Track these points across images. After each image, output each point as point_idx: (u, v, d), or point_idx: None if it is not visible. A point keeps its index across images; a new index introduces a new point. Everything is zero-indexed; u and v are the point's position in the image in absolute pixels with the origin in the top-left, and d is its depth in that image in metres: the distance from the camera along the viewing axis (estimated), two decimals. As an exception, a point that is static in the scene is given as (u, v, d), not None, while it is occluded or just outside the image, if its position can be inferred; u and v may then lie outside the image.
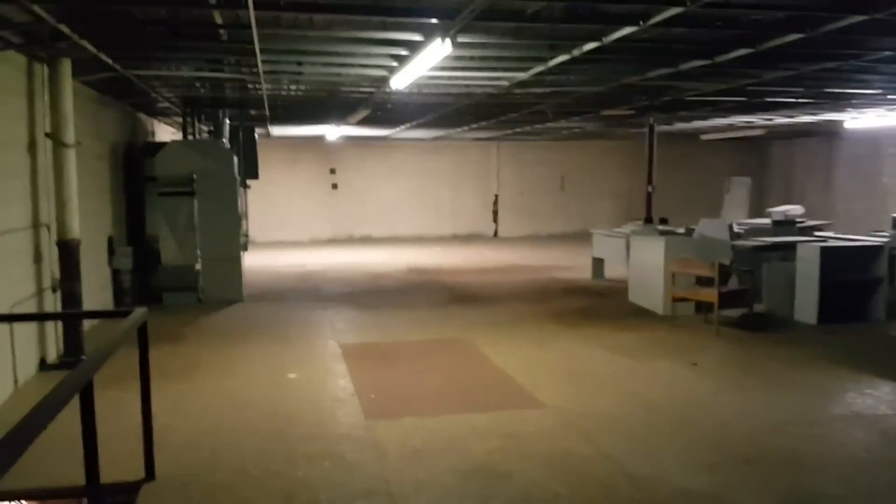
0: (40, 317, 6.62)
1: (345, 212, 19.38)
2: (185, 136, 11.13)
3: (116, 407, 4.99)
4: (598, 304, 9.63)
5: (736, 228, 10.27)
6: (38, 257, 6.48)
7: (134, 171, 10.43)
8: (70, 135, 6.52)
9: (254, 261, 14.18)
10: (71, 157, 6.53)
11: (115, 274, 9.50)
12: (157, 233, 10.03)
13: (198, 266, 10.00)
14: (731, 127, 15.07)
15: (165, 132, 14.06)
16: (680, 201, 20.15)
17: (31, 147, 6.46)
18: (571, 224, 20.43)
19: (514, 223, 20.31)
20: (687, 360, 6.65)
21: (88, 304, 8.19)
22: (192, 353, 7.08)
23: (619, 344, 7.29)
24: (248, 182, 16.55)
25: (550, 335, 7.71)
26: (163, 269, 9.96)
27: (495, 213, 20.36)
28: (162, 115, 12.88)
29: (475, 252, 16.41)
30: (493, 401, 5.51)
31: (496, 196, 20.33)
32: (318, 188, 19.27)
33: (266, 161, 17.96)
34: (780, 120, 13.45)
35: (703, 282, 8.60)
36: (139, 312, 4.01)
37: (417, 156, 19.67)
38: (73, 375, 2.73)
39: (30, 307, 6.26)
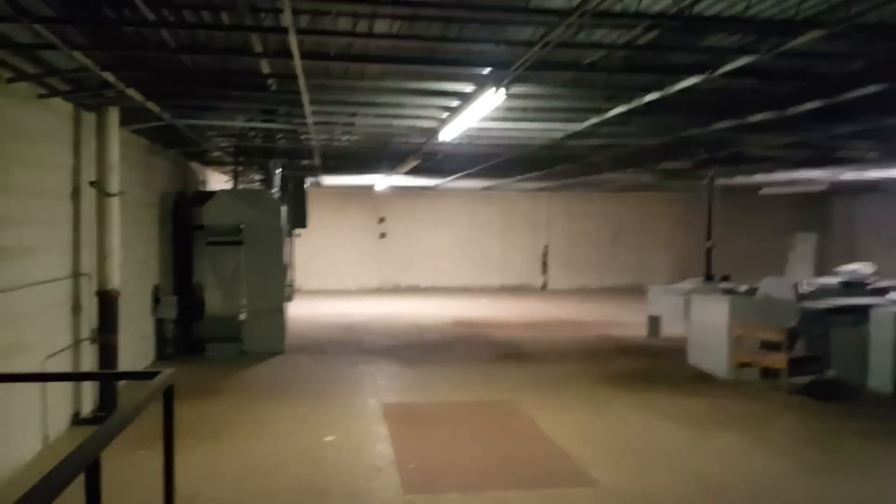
0: (54, 377, 6.41)
1: (392, 261, 19.23)
2: (235, 185, 11.15)
3: (145, 469, 4.71)
4: (654, 365, 9.10)
5: (802, 289, 9.66)
6: (76, 308, 6.37)
7: (183, 220, 10.42)
8: (114, 184, 6.46)
9: (299, 309, 14.02)
10: (114, 206, 6.46)
11: (159, 323, 9.40)
12: (204, 282, 9.94)
13: (242, 316, 9.84)
14: (792, 182, 14.47)
15: (218, 181, 14.18)
16: (737, 258, 19.36)
17: (75, 195, 6.41)
18: (623, 278, 19.84)
19: (563, 276, 19.84)
20: (755, 434, 6.09)
21: (130, 353, 8.07)
22: (228, 409, 6.83)
23: (680, 412, 6.77)
24: (297, 231, 16.61)
25: (603, 400, 7.23)
26: (207, 319, 9.83)
27: (544, 265, 19.94)
28: (214, 164, 12.99)
29: (523, 305, 15.97)
30: (542, 476, 5.07)
31: (545, 247, 19.94)
32: (366, 237, 19.21)
33: (315, 209, 17.99)
34: (846, 175, 12.84)
35: (769, 345, 8.05)
36: (165, 375, 3.74)
37: (466, 206, 19.49)
38: (75, 455, 2.46)
39: (66, 359, 6.12)
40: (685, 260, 19.80)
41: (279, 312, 9.92)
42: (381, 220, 19.27)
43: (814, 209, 19.95)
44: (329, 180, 16.09)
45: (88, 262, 6.55)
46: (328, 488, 4.77)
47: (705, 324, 8.70)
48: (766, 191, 16.78)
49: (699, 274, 19.63)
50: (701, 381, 8.18)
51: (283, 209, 10.39)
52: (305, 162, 12.76)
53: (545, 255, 19.93)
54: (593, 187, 17.74)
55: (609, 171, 12.37)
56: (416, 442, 5.83)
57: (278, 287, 9.94)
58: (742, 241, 19.22)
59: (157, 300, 9.33)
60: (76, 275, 6.40)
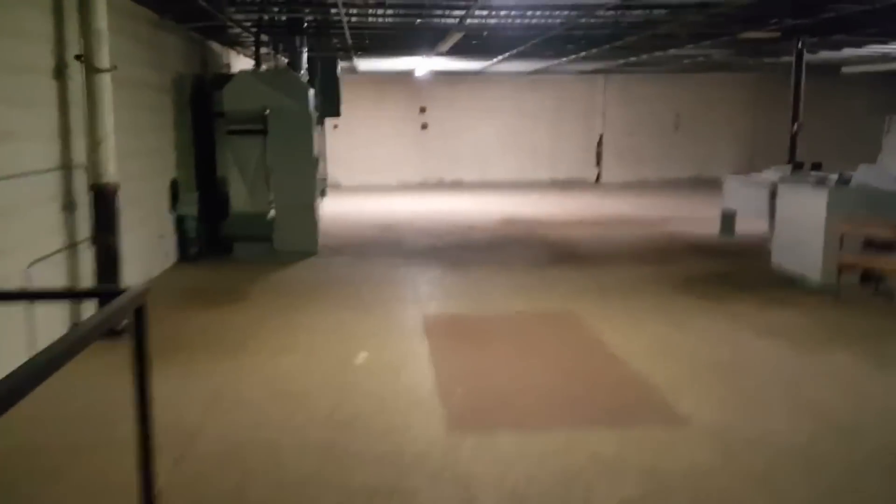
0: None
1: (435, 154, 18.06)
2: (257, 66, 9.99)
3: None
4: (733, 267, 7.98)
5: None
6: (69, 205, 5.50)
7: (203, 107, 9.40)
8: (104, 57, 5.42)
9: (336, 207, 13.14)
10: (105, 84, 5.45)
11: (180, 221, 8.59)
12: (227, 176, 9.03)
13: (271, 214, 8.97)
14: (884, 57, 12.62)
15: (243, 65, 13.03)
16: (819, 144, 17.62)
17: (60, 73, 5.41)
18: (685, 169, 18.38)
19: (619, 167, 18.44)
20: (872, 354, 5.03)
21: (145, 256, 7.30)
22: (252, 318, 6.02)
23: (775, 325, 5.71)
24: (333, 120, 15.52)
25: (680, 310, 6.20)
26: (233, 216, 8.98)
27: (599, 156, 18.53)
28: (237, 44, 11.82)
29: (576, 200, 14.79)
30: (618, 410, 4.13)
31: (600, 137, 18.46)
32: (407, 129, 17.99)
33: (351, 99, 16.81)
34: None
35: (876, 245, 6.86)
36: (134, 292, 2.81)
37: (513, 92, 18.00)
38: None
39: (57, 264, 5.31)
40: (755, 148, 18.20)
41: (311, 209, 8.99)
42: (423, 109, 17.96)
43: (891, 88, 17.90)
44: (364, 65, 14.78)
45: (82, 152, 5.63)
46: (359, 421, 3.92)
47: (796, 219, 7.47)
48: (850, 69, 14.89)
49: (768, 163, 18.21)
50: (791, 286, 7.06)
51: (312, 94, 9.27)
52: (336, 42, 11.51)
53: (600, 145, 18.49)
54: (655, 67, 16.04)
55: (684, 45, 10.81)
56: (462, 363, 4.93)
57: (309, 181, 8.97)
58: (823, 126, 17.45)
59: (175, 196, 8.48)
60: (67, 167, 5.50)
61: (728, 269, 7.85)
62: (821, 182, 7.80)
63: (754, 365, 4.84)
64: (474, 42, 11.52)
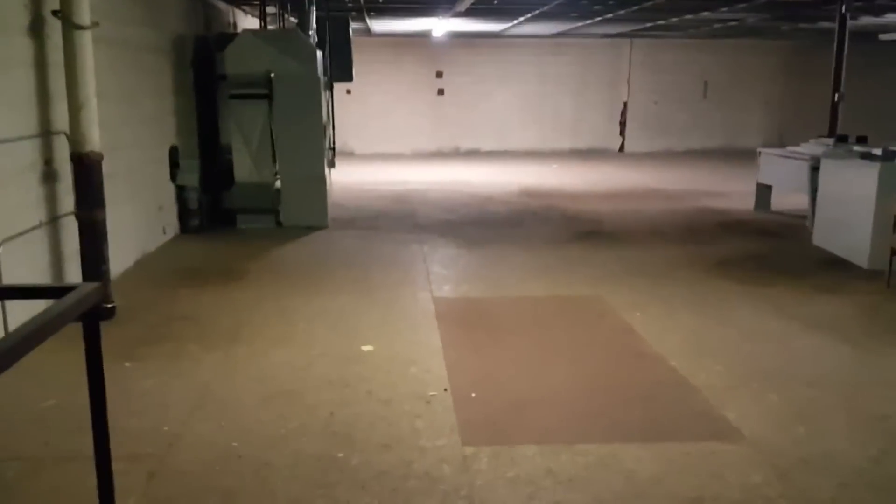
0: None
1: (451, 121, 17.41)
2: (263, 26, 9.42)
3: (120, 389, 3.50)
4: (771, 248, 7.39)
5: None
6: (50, 175, 5.03)
7: (206, 70, 8.86)
8: (84, 12, 4.88)
9: (348, 176, 12.63)
10: (86, 42, 4.92)
11: (181, 192, 8.12)
12: (231, 144, 8.53)
13: (277, 185, 8.48)
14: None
15: (250, 26, 12.43)
16: (850, 114, 16.79)
17: (35, 30, 4.89)
18: (713, 139, 17.63)
19: (644, 137, 17.72)
20: (939, 353, 4.48)
21: (142, 229, 6.85)
22: (251, 300, 5.56)
23: (824, 317, 5.16)
24: (345, 85, 14.90)
25: (719, 298, 5.65)
26: (237, 186, 8.50)
27: (622, 125, 17.80)
28: (244, 3, 11.21)
29: (599, 171, 14.15)
30: (655, 421, 3.62)
31: (625, 104, 17.71)
32: (423, 94, 17.33)
33: (364, 62, 16.16)
34: None
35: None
36: (82, 292, 2.34)
37: (535, 57, 17.24)
38: None
39: (37, 240, 4.85)
40: (783, 119, 17.42)
41: (319, 180, 8.48)
42: (439, 74, 17.28)
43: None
44: (378, 26, 14.12)
45: (64, 118, 5.13)
46: (360, 429, 3.45)
47: (842, 198, 6.86)
48: (887, 36, 14.00)
49: (799, 134, 17.38)
50: (837, 270, 6.48)
51: (321, 57, 8.69)
52: (349, 1, 10.89)
53: (623, 113, 17.74)
54: (683, 31, 15.21)
55: (718, 5, 10.07)
56: (478, 358, 4.44)
57: (317, 150, 8.44)
58: (859, 96, 16.56)
59: (175, 165, 7.99)
60: (46, 134, 5.01)
61: (766, 250, 7.27)
62: (867, 157, 7.16)
63: (806, 366, 4.31)
64: (495, 1, 10.86)
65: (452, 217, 9.17)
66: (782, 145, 16.94)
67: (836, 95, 9.01)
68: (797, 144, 9.06)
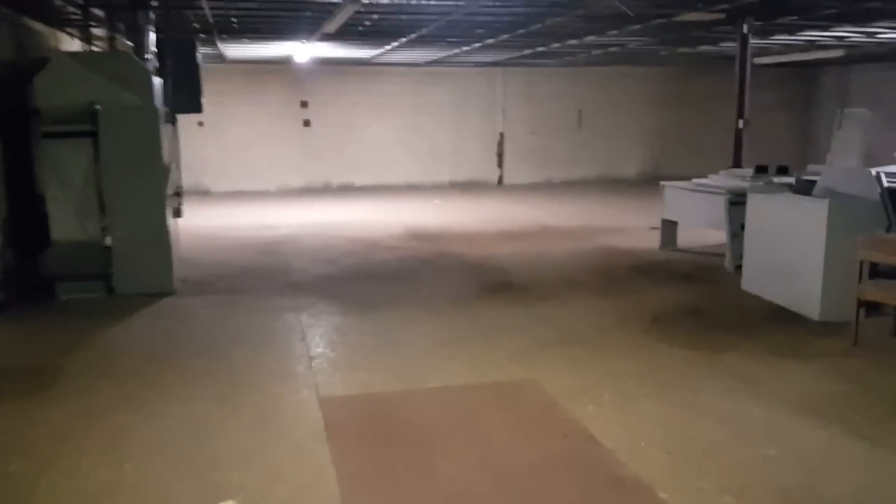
0: None
1: (321, 155, 15.96)
2: (89, 47, 7.69)
3: None
4: (701, 296, 6.55)
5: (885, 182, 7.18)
6: None
7: (16, 103, 7.00)
8: None
9: (204, 220, 10.91)
10: None
11: (-24, 257, 6.23)
12: (46, 192, 6.73)
13: (107, 242, 6.74)
14: (809, 45, 11.74)
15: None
16: (716, 143, 16.98)
17: None
18: (590, 169, 17.24)
19: (522, 168, 17.05)
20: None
21: None
22: (59, 422, 3.91)
23: (809, 395, 4.23)
24: (197, 117, 13.18)
25: (675, 372, 4.62)
26: (55, 246, 6.69)
27: (500, 157, 17.06)
28: (67, 23, 9.32)
29: (484, 206, 13.20)
30: None
31: (501, 135, 16.99)
32: (288, 126, 15.78)
33: (220, 92, 14.52)
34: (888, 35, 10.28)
35: (880, 273, 5.60)
36: None
37: (408, 86, 16.18)
38: None
39: None
40: (663, 147, 17.36)
41: (161, 235, 6.82)
42: (304, 104, 15.82)
43: (800, 84, 17.55)
44: (233, 51, 12.52)
45: None
46: None
47: (777, 237, 6.14)
48: (762, 60, 14.09)
49: (678, 163, 17.36)
50: (786, 324, 5.66)
51: (159, 84, 7.11)
52: (195, 22, 9.31)
53: (501, 144, 17.01)
54: (554, 60, 14.70)
55: (608, 29, 9.40)
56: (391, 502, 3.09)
57: (157, 197, 6.80)
58: (721, 124, 16.81)
59: (-35, 224, 6.11)
60: None
61: (697, 300, 6.41)
62: (800, 190, 6.51)
63: (830, 480, 3.28)
64: (366, 24, 9.67)
65: (333, 270, 7.77)
66: (659, 175, 16.89)
67: (741, 122, 8.46)
68: (703, 175, 8.44)
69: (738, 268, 7.17)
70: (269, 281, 7.32)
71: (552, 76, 16.68)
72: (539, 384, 4.39)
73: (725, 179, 7.75)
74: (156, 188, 6.81)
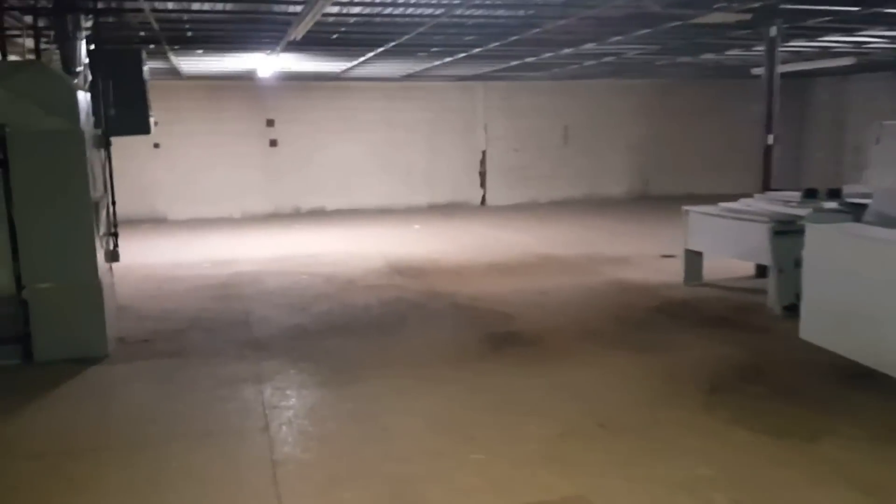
0: None
1: (289, 177, 14.67)
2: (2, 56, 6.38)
3: None
4: (754, 350, 5.39)
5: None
6: None
7: None
8: None
9: (154, 254, 9.62)
10: None
11: None
12: (-56, 235, 5.41)
13: (23, 295, 5.43)
14: (821, 52, 10.78)
15: None
16: (710, 159, 16.10)
17: None
18: (577, 187, 16.19)
19: (506, 188, 15.92)
20: None
21: None
22: None
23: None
24: (152, 138, 11.90)
25: (766, 478, 3.45)
26: (-46, 302, 5.36)
27: (482, 176, 15.93)
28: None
29: (468, 231, 12.03)
30: None
31: (483, 153, 15.87)
32: (253, 146, 14.48)
33: (176, 110, 13.27)
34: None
35: None
36: None
37: (382, 102, 15.00)
38: None
39: None
40: (649, 163, 16.40)
41: (92, 285, 5.53)
42: (270, 122, 14.55)
43: (793, 96, 16.73)
44: (188, 65, 11.23)
45: None
46: None
47: (853, 276, 5.04)
48: (759, 70, 13.14)
49: (670, 181, 16.38)
50: (877, 390, 4.52)
51: (86, 101, 5.84)
52: (141, 31, 8.06)
53: (483, 162, 15.89)
54: (539, 73, 13.65)
55: (616, 33, 8.35)
56: None
57: (84, 239, 5.50)
58: (721, 138, 15.93)
59: None
60: None
61: (751, 355, 5.26)
62: (875, 221, 5.44)
63: None
64: (335, 36, 8.52)
65: (304, 320, 6.51)
66: (649, 194, 16.01)
67: (770, 137, 7.41)
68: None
69: (787, 308, 6.09)
70: (226, 337, 6.04)
71: (535, 90, 15.64)
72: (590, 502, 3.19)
73: (765, 205, 6.67)
74: (83, 228, 5.52)
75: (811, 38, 9.06)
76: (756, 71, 13.53)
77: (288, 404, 4.48)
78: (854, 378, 4.71)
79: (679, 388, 4.60)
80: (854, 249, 5.05)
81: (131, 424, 4.24)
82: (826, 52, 10.76)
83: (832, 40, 9.41)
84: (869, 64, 12.59)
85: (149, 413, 4.40)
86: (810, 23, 7.68)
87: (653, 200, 15.66)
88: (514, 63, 11.76)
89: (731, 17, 7.15)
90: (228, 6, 7.06)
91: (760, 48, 10.00)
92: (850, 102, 15.50)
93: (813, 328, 5.38)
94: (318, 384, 4.84)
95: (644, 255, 9.28)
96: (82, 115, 5.54)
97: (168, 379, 5.02)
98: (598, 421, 4.08)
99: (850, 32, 8.68)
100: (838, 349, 5.10)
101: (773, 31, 7.28)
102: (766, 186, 7.44)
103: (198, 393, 4.70)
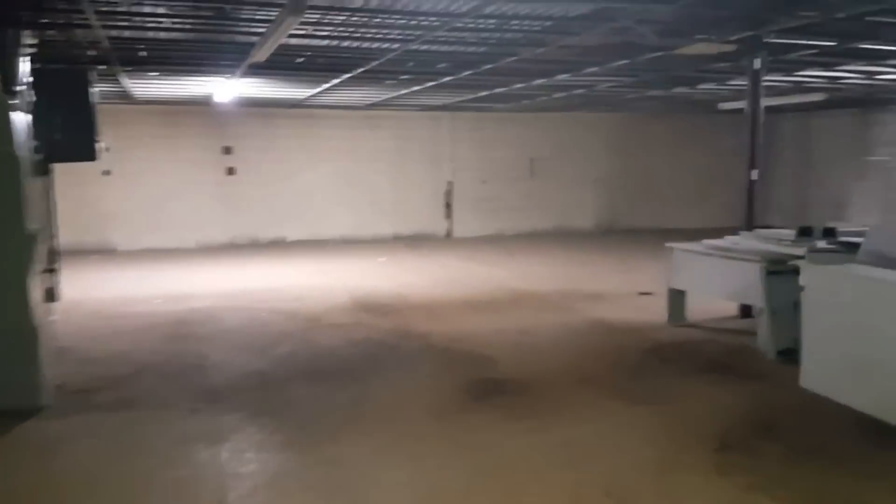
0: None
1: (247, 207, 14.06)
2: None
3: None
4: (757, 400, 5.01)
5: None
6: None
7: None
8: None
9: (103, 289, 8.94)
10: None
11: None
12: None
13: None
14: (794, 87, 10.72)
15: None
16: (681, 193, 16.03)
17: None
18: (544, 220, 15.91)
19: (473, 220, 15.55)
20: None
21: None
22: None
23: None
24: (101, 164, 11.27)
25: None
26: None
27: (448, 207, 15.55)
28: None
29: (436, 263, 11.59)
30: None
31: (449, 184, 15.51)
32: (209, 174, 13.86)
33: (128, 136, 12.68)
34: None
35: None
36: None
37: (346, 130, 14.56)
38: None
39: None
40: (614, 196, 16.24)
41: (26, 327, 4.90)
42: (228, 149, 13.96)
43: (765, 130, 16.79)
44: (141, 88, 10.63)
45: None
46: None
47: (857, 321, 4.72)
48: (729, 105, 13.15)
49: (636, 214, 16.23)
50: (891, 447, 4.20)
51: (23, 124, 5.27)
52: (89, 50, 7.50)
53: (449, 194, 15.51)
54: (506, 105, 13.42)
55: (595, 64, 8.09)
56: None
57: (18, 279, 4.88)
58: (694, 173, 15.90)
59: None
60: None
61: (756, 406, 4.88)
62: (877, 261, 5.15)
63: None
64: (299, 60, 8.08)
65: (265, 365, 5.94)
66: (617, 227, 15.82)
67: (754, 173, 7.15)
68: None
69: (781, 353, 5.76)
70: (178, 385, 5.44)
71: (502, 121, 15.38)
72: None
73: (756, 243, 6.38)
74: (17, 264, 4.90)
75: (788, 72, 8.93)
76: (724, 106, 13.54)
77: (247, 474, 3.91)
78: (864, 431, 4.36)
79: (686, 445, 4.18)
80: (851, 291, 4.73)
81: (61, 501, 3.63)
82: (798, 87, 10.70)
83: (808, 75, 9.30)
84: (838, 100, 12.64)
85: (83, 486, 3.79)
86: (791, 56, 7.51)
87: (621, 234, 15.47)
88: (482, 93, 11.47)
89: (714, 49, 6.92)
90: (187, 25, 6.57)
91: (735, 82, 9.99)
92: (815, 139, 15.59)
93: (816, 377, 5.03)
94: (282, 447, 4.28)
95: (618, 292, 8.95)
96: (20, 139, 4.96)
97: (110, 439, 4.41)
98: (604, 490, 3.62)
99: (828, 67, 8.56)
100: (840, 397, 4.75)
101: (758, 63, 7.05)
102: (749, 223, 7.16)
103: (143, 458, 4.10)
